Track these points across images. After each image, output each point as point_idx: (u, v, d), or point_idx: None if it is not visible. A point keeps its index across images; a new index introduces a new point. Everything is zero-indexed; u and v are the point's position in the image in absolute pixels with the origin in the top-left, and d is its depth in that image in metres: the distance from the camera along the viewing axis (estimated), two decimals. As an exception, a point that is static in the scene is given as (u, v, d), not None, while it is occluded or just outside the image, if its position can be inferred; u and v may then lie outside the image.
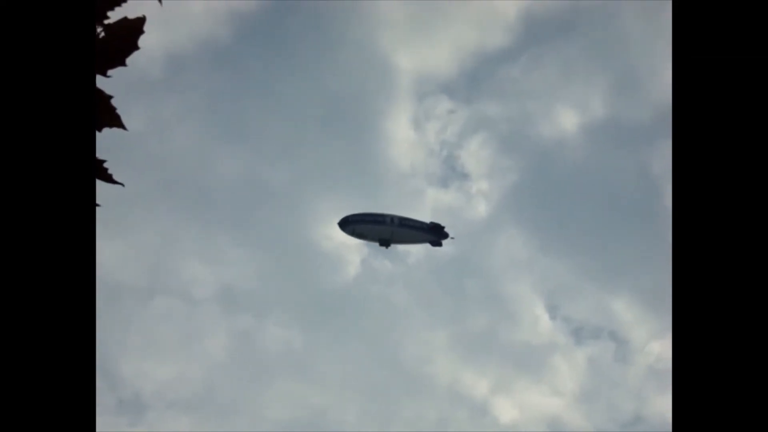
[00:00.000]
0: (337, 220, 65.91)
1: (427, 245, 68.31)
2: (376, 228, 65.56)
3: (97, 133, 4.44)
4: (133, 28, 4.42)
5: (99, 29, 4.38)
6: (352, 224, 65.96)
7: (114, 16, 4.39)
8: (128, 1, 4.37)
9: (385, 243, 65.85)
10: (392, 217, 66.43)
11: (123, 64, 4.45)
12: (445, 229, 67.64)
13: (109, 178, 4.52)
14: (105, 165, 4.47)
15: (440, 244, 68.12)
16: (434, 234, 67.36)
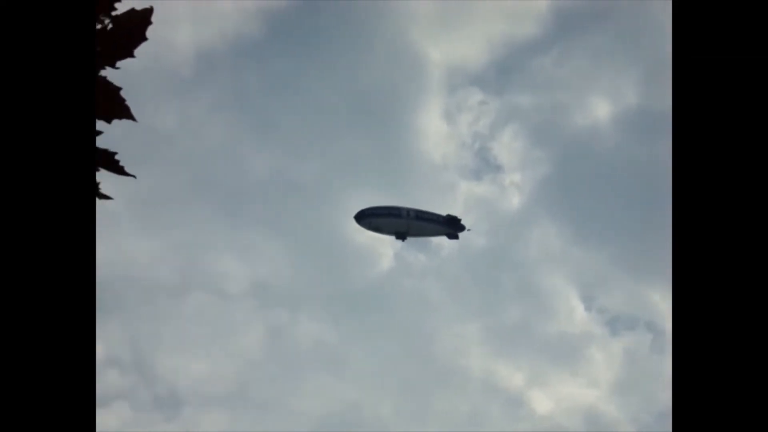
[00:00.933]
0: (451, 213, 66.05)
1: (444, 237, 68.23)
2: (393, 221, 65.48)
3: (108, 124, 4.46)
4: (141, 19, 4.40)
5: (107, 21, 4.37)
6: (368, 218, 65.93)
7: (121, 7, 4.39)
8: None
9: (401, 236, 65.78)
10: (408, 210, 66.34)
11: (131, 55, 4.44)
12: (462, 222, 67.51)
13: (120, 170, 4.54)
14: (116, 157, 4.50)
15: (457, 237, 68.00)
16: (451, 226, 67.23)
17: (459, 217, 67.46)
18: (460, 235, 67.82)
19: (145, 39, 4.42)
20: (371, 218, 65.68)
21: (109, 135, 4.47)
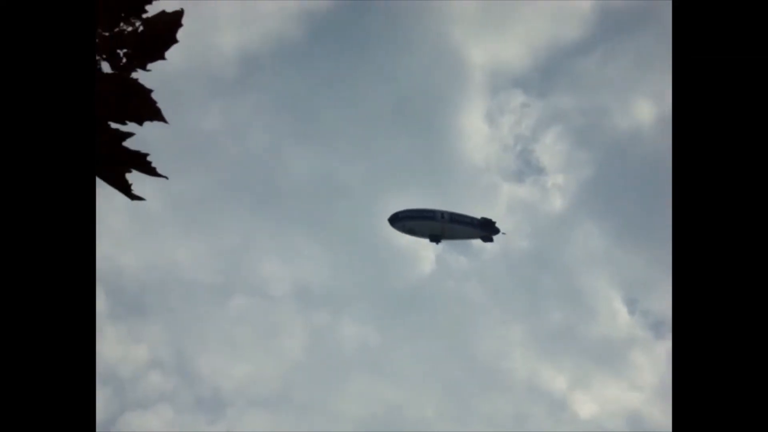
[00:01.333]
0: (486, 216, 66.10)
1: (479, 240, 68.05)
2: (427, 224, 65.40)
3: (140, 126, 4.47)
4: (172, 21, 4.41)
5: (137, 23, 4.39)
6: (402, 220, 65.90)
7: (152, 9, 4.40)
8: None
9: (435, 239, 65.69)
10: (443, 213, 66.24)
11: (162, 57, 4.46)
12: (497, 224, 67.28)
13: (152, 172, 4.56)
14: (148, 158, 4.51)
15: (491, 240, 67.79)
16: (485, 229, 67.04)
17: (494, 220, 67.27)
18: (496, 237, 67.62)
19: (175, 41, 4.43)
20: (405, 221, 65.66)
21: (151, 136, 4.56)
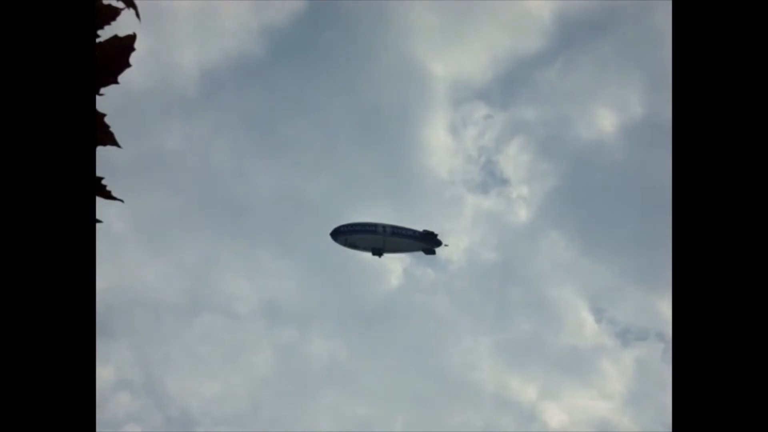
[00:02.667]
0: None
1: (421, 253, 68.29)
2: (368, 237, 65.64)
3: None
4: (125, 45, 4.41)
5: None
6: (344, 234, 66.03)
7: (104, 34, 4.36)
8: (118, 20, 4.36)
9: (377, 252, 65.87)
10: (384, 226, 66.51)
11: (116, 81, 4.45)
12: (438, 236, 67.63)
13: (107, 195, 4.54)
14: (103, 182, 4.47)
15: (434, 252, 68.17)
16: (427, 242, 67.40)
17: (435, 232, 67.61)
18: (442, 249, 67.94)
19: (128, 65, 4.43)
20: (347, 235, 65.80)
21: (114, 155, 4.51)
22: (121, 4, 4.35)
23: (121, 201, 4.56)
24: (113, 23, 4.36)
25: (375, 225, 66.57)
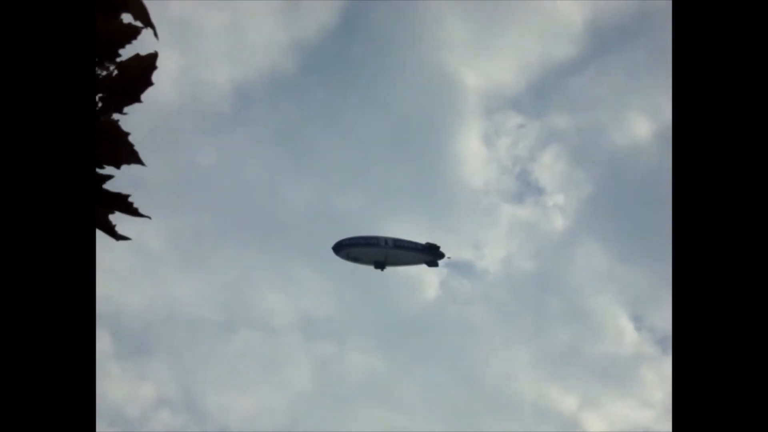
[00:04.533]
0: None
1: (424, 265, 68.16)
2: (370, 251, 65.50)
3: (117, 170, 4.52)
4: (146, 64, 4.46)
5: (112, 67, 4.43)
6: (346, 248, 65.93)
7: (126, 53, 4.43)
8: (138, 39, 4.40)
9: (380, 266, 65.73)
10: (386, 239, 66.38)
11: (138, 100, 4.49)
12: (441, 249, 67.53)
13: (135, 212, 4.61)
14: (130, 200, 4.56)
15: (437, 264, 67.99)
16: (430, 254, 67.26)
17: (438, 245, 67.51)
18: (442, 261, 67.76)
19: (151, 83, 4.48)
20: (349, 248, 65.69)
21: (148, 174, 4.54)
22: (140, 24, 4.39)
23: (149, 218, 4.62)
24: (134, 42, 4.41)
25: (377, 238, 66.47)
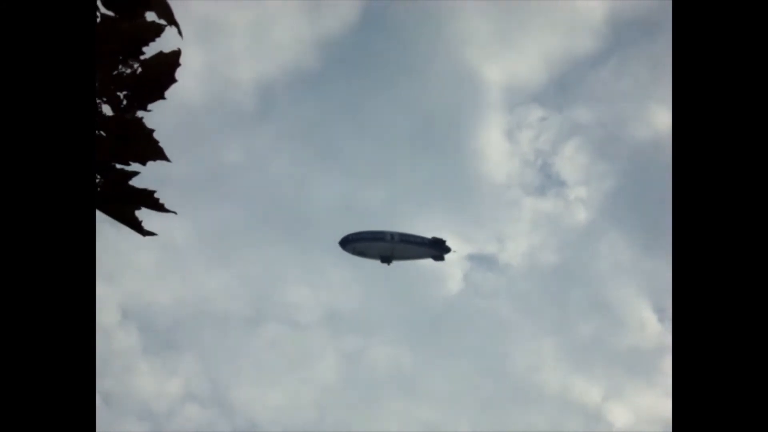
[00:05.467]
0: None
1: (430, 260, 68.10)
2: (377, 245, 65.43)
3: (143, 166, 4.55)
4: (169, 61, 4.50)
5: (136, 65, 4.47)
6: (352, 243, 65.87)
7: (149, 51, 4.47)
8: (162, 36, 4.43)
9: (386, 260, 65.69)
10: (392, 234, 66.30)
11: (162, 97, 4.53)
12: (447, 243, 67.43)
13: (161, 208, 4.65)
14: (155, 196, 4.60)
15: (443, 259, 67.82)
16: (436, 248, 67.15)
17: (444, 239, 67.41)
18: (446, 256, 67.67)
19: (175, 81, 4.51)
20: (355, 243, 65.62)
21: (175, 170, 4.59)
22: (164, 22, 4.43)
23: (174, 213, 4.66)
24: (158, 40, 4.45)
25: (383, 233, 66.38)
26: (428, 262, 66.77)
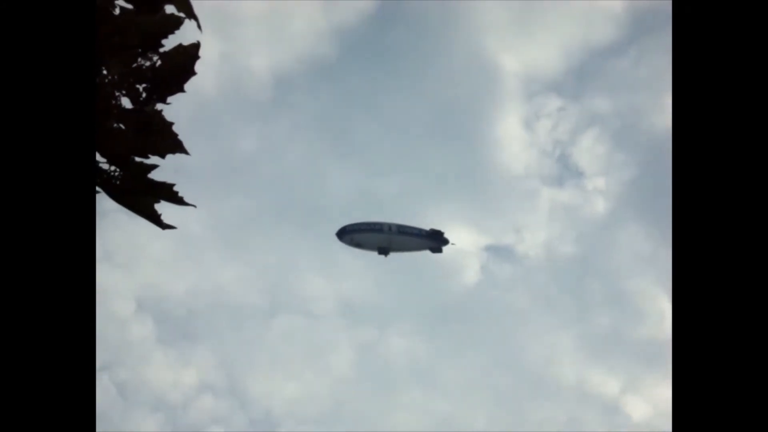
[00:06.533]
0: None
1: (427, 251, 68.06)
2: (374, 236, 65.34)
3: (162, 159, 4.57)
4: (189, 54, 4.51)
5: (155, 57, 4.47)
6: (349, 234, 65.79)
7: (169, 43, 4.48)
8: (181, 29, 4.45)
9: (383, 251, 65.63)
10: (390, 225, 66.21)
11: (181, 90, 4.54)
12: (445, 235, 67.36)
13: (180, 201, 4.68)
14: (175, 188, 4.62)
15: (441, 251, 67.68)
16: (434, 240, 67.07)
17: (442, 231, 67.33)
18: (445, 248, 67.60)
19: (194, 73, 4.53)
20: (352, 234, 65.54)
21: (189, 161, 4.63)
22: (183, 15, 4.43)
23: (194, 206, 4.68)
24: (176, 32, 4.46)
25: (381, 224, 66.28)
26: (445, 251, 66.44)
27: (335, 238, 65.97)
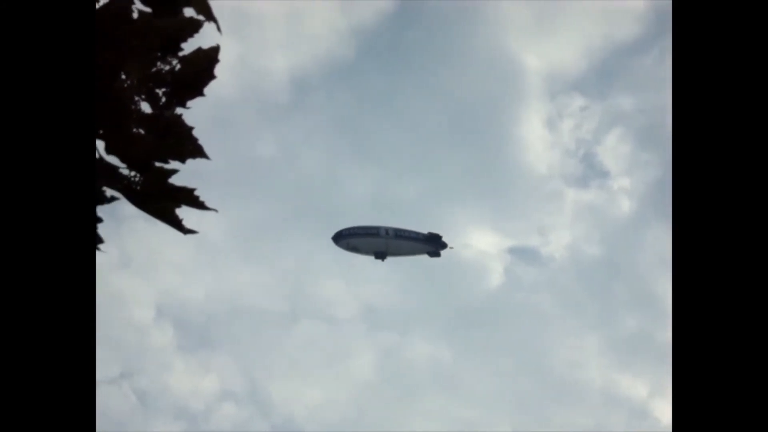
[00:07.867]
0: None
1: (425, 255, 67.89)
2: (371, 241, 65.14)
3: (182, 164, 4.50)
4: (209, 57, 4.45)
5: (174, 61, 4.42)
6: (345, 238, 65.64)
7: (188, 47, 4.40)
8: (200, 32, 4.40)
9: (380, 256, 65.45)
10: (387, 229, 66.00)
11: (201, 94, 4.49)
12: (443, 239, 67.17)
13: (201, 206, 4.60)
14: (196, 193, 4.54)
15: (439, 255, 67.35)
16: (432, 244, 66.82)
17: (440, 234, 67.12)
18: (442, 252, 67.41)
19: (214, 77, 4.48)
20: (349, 238, 65.37)
21: (209, 165, 4.61)
22: (202, 18, 4.37)
23: (215, 210, 4.59)
24: (196, 35, 4.39)
25: (378, 228, 66.09)
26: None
27: (332, 243, 65.81)
